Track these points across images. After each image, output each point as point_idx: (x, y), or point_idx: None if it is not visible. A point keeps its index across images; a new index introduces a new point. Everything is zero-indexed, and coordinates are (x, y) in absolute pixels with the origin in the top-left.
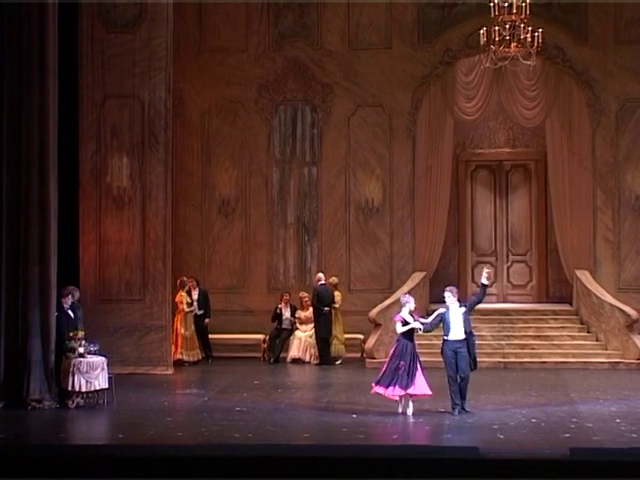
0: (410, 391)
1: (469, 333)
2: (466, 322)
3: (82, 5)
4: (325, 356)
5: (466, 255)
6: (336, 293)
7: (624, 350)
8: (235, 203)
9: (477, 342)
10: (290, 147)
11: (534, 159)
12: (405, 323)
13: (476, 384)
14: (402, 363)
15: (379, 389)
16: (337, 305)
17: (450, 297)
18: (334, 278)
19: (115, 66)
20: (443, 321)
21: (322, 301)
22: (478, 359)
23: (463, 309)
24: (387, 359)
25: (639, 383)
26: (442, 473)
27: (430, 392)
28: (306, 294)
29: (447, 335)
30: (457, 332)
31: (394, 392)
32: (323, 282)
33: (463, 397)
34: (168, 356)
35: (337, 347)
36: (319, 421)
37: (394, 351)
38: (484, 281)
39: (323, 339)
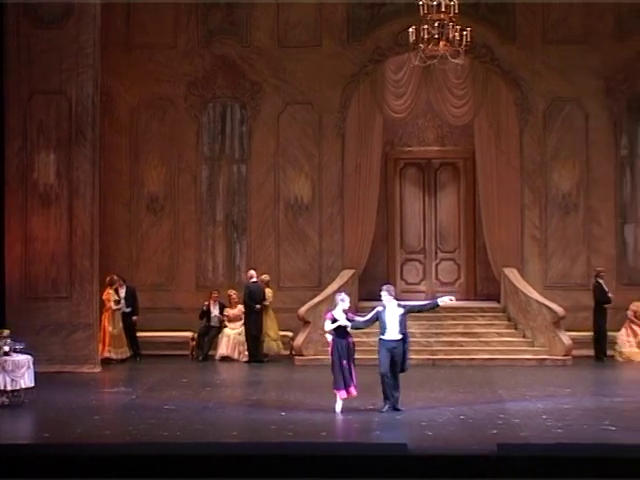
0: (353, 390)
1: (404, 335)
2: (402, 323)
3: (7, 2)
4: (255, 354)
5: (395, 253)
6: (267, 290)
7: (551, 347)
8: (164, 200)
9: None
10: (219, 144)
11: (463, 157)
12: (334, 321)
13: (405, 381)
14: (344, 362)
15: (343, 393)
16: (268, 302)
17: (386, 296)
18: (266, 276)
19: (42, 62)
20: (379, 320)
21: (254, 298)
22: (408, 356)
23: (401, 310)
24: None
25: (565, 379)
26: (370, 470)
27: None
28: (234, 292)
29: (383, 334)
30: (392, 332)
31: (350, 393)
32: (255, 279)
33: (393, 396)
34: (95, 354)
35: (270, 344)
36: (248, 419)
37: (331, 351)
38: (441, 301)
39: (254, 337)
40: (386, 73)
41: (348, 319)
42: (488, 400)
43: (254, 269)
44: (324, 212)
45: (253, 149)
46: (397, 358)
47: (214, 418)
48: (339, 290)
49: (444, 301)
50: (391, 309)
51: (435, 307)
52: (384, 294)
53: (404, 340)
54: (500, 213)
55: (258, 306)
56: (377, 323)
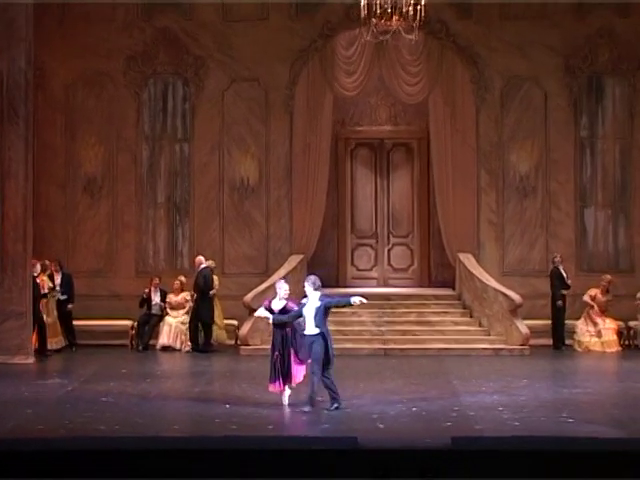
0: (288, 386)
1: (321, 330)
2: (317, 317)
3: None
4: (206, 343)
5: (345, 237)
6: (214, 277)
7: (507, 336)
8: (101, 182)
9: (355, 328)
10: (160, 123)
11: (416, 137)
12: (269, 310)
13: (355, 371)
14: (276, 354)
15: (272, 386)
16: (215, 290)
17: (307, 287)
18: (212, 262)
19: None
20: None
21: (209, 285)
22: (357, 346)
23: (318, 303)
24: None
25: (522, 370)
26: (319, 464)
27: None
28: (184, 278)
29: (305, 329)
30: (310, 327)
31: (275, 387)
32: (205, 265)
33: (312, 393)
34: (29, 344)
35: (216, 333)
36: (190, 412)
37: (272, 341)
38: (352, 301)
39: (206, 324)
40: (337, 49)
41: (286, 309)
42: (442, 392)
43: (201, 254)
44: (271, 194)
45: (196, 128)
46: (315, 355)
47: (154, 411)
48: (284, 277)
49: (354, 301)
50: (311, 302)
51: (347, 305)
52: (306, 285)
53: (322, 336)
54: (455, 196)
55: (213, 292)
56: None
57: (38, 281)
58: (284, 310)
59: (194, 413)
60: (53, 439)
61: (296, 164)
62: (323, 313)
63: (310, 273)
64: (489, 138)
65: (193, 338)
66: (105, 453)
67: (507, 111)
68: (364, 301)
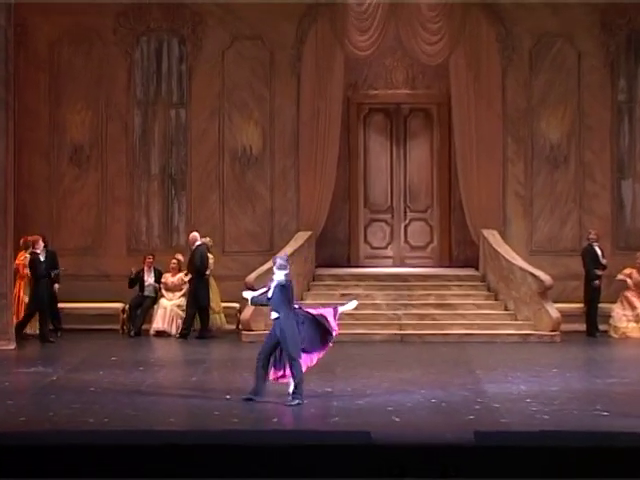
0: (281, 374)
1: (280, 314)
2: (276, 297)
3: None
4: (203, 329)
5: (358, 212)
6: (209, 256)
7: (536, 321)
8: (89, 150)
9: (369, 312)
10: (154, 86)
11: (436, 102)
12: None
13: (368, 359)
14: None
15: (269, 374)
16: (210, 270)
17: (274, 267)
18: (208, 239)
19: None
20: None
21: (205, 264)
22: (371, 331)
23: (279, 283)
24: None
25: (552, 358)
26: (328, 462)
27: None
28: (181, 256)
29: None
30: (273, 310)
31: (271, 376)
32: (201, 242)
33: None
34: (9, 328)
35: (212, 317)
36: (187, 404)
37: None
38: (346, 307)
39: (203, 308)
40: (348, 4)
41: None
42: (464, 381)
43: (197, 231)
44: (276, 165)
45: (194, 91)
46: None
47: (148, 403)
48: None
49: (352, 304)
50: (275, 283)
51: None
52: (274, 263)
53: (279, 320)
54: (479, 167)
55: (208, 272)
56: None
57: (42, 259)
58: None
59: (191, 405)
60: (36, 433)
61: (304, 132)
62: (282, 294)
63: (337, 245)
64: (516, 103)
65: (187, 324)
66: (93, 448)
67: (537, 73)
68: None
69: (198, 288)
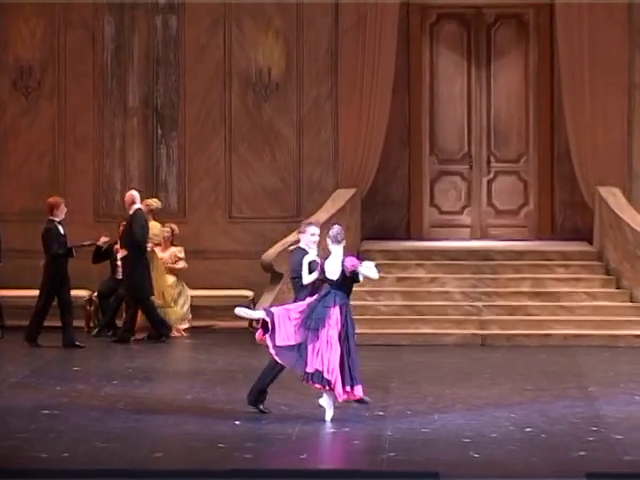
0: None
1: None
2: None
3: None
4: (160, 328)
5: (422, 162)
6: (152, 225)
7: None
8: (41, 74)
9: (437, 303)
10: None
11: (534, 4)
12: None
13: (437, 371)
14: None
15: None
16: (152, 246)
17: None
18: (154, 200)
19: None
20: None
21: (146, 237)
22: (440, 330)
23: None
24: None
25: None
26: None
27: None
28: (174, 226)
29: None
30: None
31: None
32: (139, 206)
33: None
34: None
35: (164, 312)
36: (180, 432)
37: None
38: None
39: (144, 297)
40: None
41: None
42: (573, 403)
43: (135, 189)
44: (306, 95)
45: None
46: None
47: (126, 430)
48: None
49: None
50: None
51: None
52: (314, 230)
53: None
54: (594, 97)
55: (150, 246)
56: None
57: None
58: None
59: (186, 433)
60: None
61: (345, 47)
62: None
63: (391, 208)
64: None
65: (109, 318)
66: None
67: None
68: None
69: (136, 271)
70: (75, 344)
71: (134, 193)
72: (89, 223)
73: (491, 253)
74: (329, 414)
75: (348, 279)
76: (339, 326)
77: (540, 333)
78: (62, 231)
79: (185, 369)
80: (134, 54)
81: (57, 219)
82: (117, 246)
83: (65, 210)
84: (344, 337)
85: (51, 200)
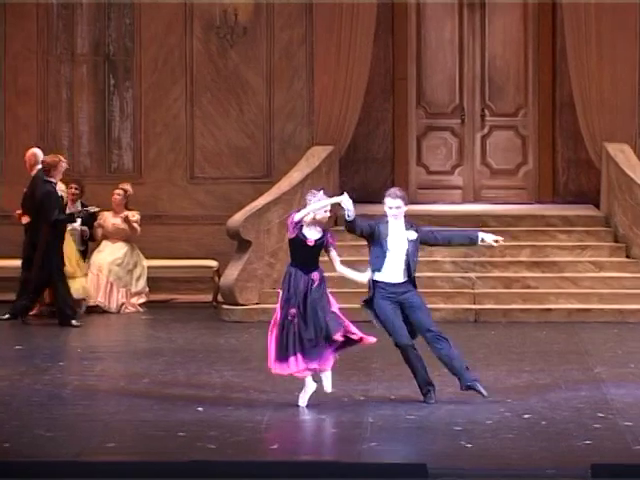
0: (312, 366)
1: (412, 279)
2: (412, 259)
3: None
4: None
5: (407, 115)
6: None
7: None
8: None
9: (427, 275)
10: None
11: None
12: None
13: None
14: (292, 311)
15: (277, 367)
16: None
17: (400, 207)
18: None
19: None
20: (373, 244)
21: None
22: (430, 305)
23: (413, 235)
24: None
25: None
26: None
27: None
28: (128, 186)
29: (378, 272)
30: (395, 271)
31: (297, 367)
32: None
33: (456, 373)
34: None
35: (75, 286)
36: (136, 419)
37: (282, 292)
38: (483, 238)
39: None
40: None
41: (326, 244)
42: (576, 386)
43: (38, 147)
44: (277, 39)
45: None
46: (416, 308)
47: (74, 417)
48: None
49: (486, 240)
50: (397, 231)
51: (471, 243)
52: (391, 203)
53: (413, 286)
54: (601, 41)
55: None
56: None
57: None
58: (321, 245)
59: (142, 421)
60: None
61: None
62: (418, 252)
63: (376, 170)
64: None
65: (24, 296)
66: None
67: None
68: (500, 241)
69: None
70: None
71: (36, 151)
72: None
73: (485, 218)
74: (328, 384)
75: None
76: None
77: (540, 308)
78: (60, 194)
79: (141, 348)
80: None
81: (55, 180)
82: (18, 211)
83: (63, 169)
84: None
85: (48, 159)
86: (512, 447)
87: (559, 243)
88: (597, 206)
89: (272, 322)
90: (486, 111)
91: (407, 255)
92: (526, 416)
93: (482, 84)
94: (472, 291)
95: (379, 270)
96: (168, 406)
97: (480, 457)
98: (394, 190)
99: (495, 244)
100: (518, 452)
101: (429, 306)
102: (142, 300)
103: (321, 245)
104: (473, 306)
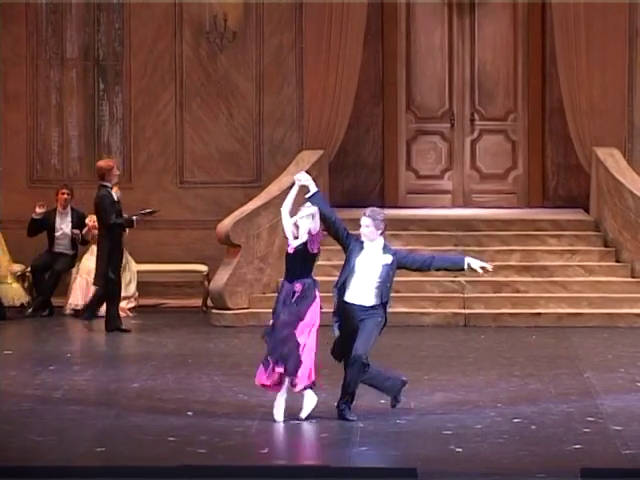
0: (290, 381)
1: (381, 304)
2: (383, 283)
3: None
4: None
5: (397, 120)
6: None
7: None
8: None
9: (415, 279)
10: None
11: None
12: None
13: (414, 355)
14: (280, 323)
15: (259, 377)
16: None
17: (369, 227)
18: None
19: None
20: (346, 260)
21: None
22: (419, 310)
23: (388, 259)
24: None
25: None
26: None
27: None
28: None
29: (343, 293)
30: (363, 293)
31: (264, 379)
32: None
33: (345, 394)
34: None
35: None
36: (125, 424)
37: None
38: (469, 263)
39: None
40: None
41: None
42: (566, 390)
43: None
44: (267, 45)
45: None
46: (363, 330)
47: (63, 422)
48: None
49: (473, 265)
50: (370, 253)
51: (456, 268)
52: (366, 222)
53: (376, 311)
54: (591, 46)
55: None
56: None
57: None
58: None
59: (132, 426)
60: None
61: None
62: (392, 275)
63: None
64: None
65: (46, 296)
66: None
67: None
68: (489, 268)
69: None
70: (120, 328)
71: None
72: (22, 189)
73: (475, 222)
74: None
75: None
76: None
77: (530, 312)
78: (116, 197)
79: (131, 353)
80: None
81: (109, 184)
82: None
83: (117, 174)
84: None
85: (102, 163)
86: (502, 451)
87: (549, 247)
88: (587, 210)
89: None
90: (476, 115)
91: (380, 280)
92: (516, 420)
93: (472, 89)
94: (462, 296)
95: (341, 286)
96: (158, 411)
97: (470, 461)
98: (370, 209)
99: (482, 271)
100: (508, 456)
101: (419, 310)
102: (132, 305)
103: (304, 253)
104: (463, 310)
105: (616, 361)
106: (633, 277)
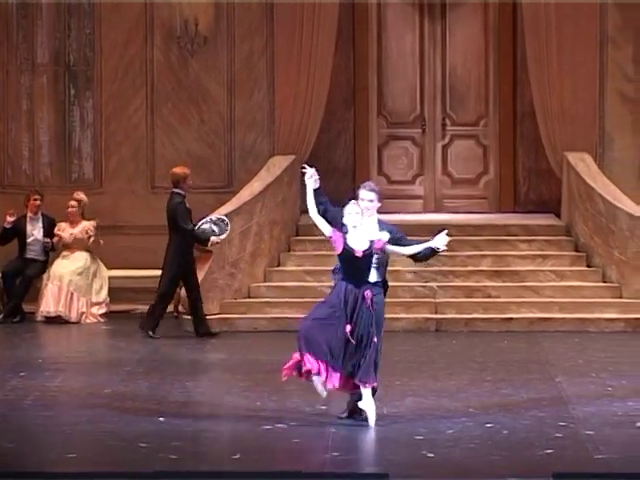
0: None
1: (382, 282)
2: (381, 262)
3: None
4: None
5: (369, 124)
6: None
7: None
8: None
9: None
10: None
11: None
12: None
13: (384, 360)
14: (348, 327)
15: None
16: None
17: (373, 201)
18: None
19: None
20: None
21: None
22: (390, 315)
23: (385, 236)
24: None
25: None
26: None
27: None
28: (83, 195)
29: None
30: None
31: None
32: None
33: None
34: None
35: None
36: (97, 430)
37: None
38: (436, 244)
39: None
40: None
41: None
42: (538, 395)
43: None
44: (237, 50)
45: None
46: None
47: (34, 429)
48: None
49: (438, 244)
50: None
51: (433, 253)
52: (370, 196)
53: (380, 289)
54: (562, 51)
55: None
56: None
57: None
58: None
59: (104, 432)
60: None
61: None
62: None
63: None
64: None
65: (17, 302)
66: None
67: None
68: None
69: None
70: (211, 332)
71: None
72: None
73: (447, 227)
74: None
75: None
76: None
77: (501, 317)
78: (188, 206)
79: (102, 359)
80: (42, 2)
81: (183, 192)
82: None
83: (190, 183)
84: None
85: (178, 170)
86: (474, 456)
87: (520, 252)
88: (558, 215)
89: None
90: (447, 120)
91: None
92: (488, 425)
93: (443, 93)
94: (433, 300)
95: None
96: (130, 417)
97: (442, 467)
98: (369, 183)
99: (445, 244)
100: (480, 461)
101: (390, 316)
102: (103, 310)
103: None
104: (434, 315)
105: (587, 366)
106: (604, 282)
